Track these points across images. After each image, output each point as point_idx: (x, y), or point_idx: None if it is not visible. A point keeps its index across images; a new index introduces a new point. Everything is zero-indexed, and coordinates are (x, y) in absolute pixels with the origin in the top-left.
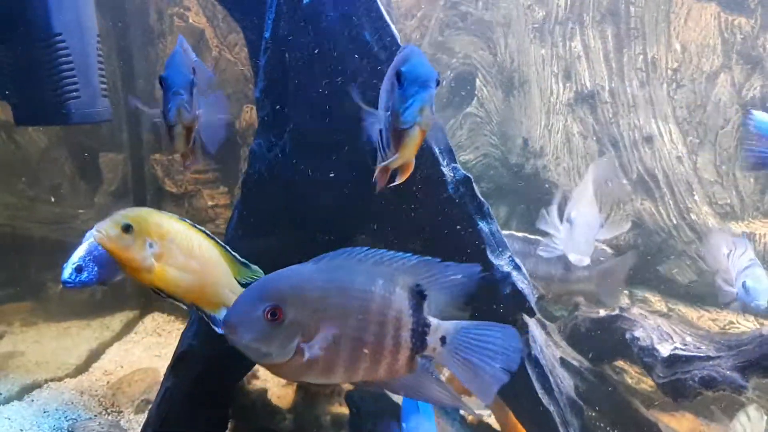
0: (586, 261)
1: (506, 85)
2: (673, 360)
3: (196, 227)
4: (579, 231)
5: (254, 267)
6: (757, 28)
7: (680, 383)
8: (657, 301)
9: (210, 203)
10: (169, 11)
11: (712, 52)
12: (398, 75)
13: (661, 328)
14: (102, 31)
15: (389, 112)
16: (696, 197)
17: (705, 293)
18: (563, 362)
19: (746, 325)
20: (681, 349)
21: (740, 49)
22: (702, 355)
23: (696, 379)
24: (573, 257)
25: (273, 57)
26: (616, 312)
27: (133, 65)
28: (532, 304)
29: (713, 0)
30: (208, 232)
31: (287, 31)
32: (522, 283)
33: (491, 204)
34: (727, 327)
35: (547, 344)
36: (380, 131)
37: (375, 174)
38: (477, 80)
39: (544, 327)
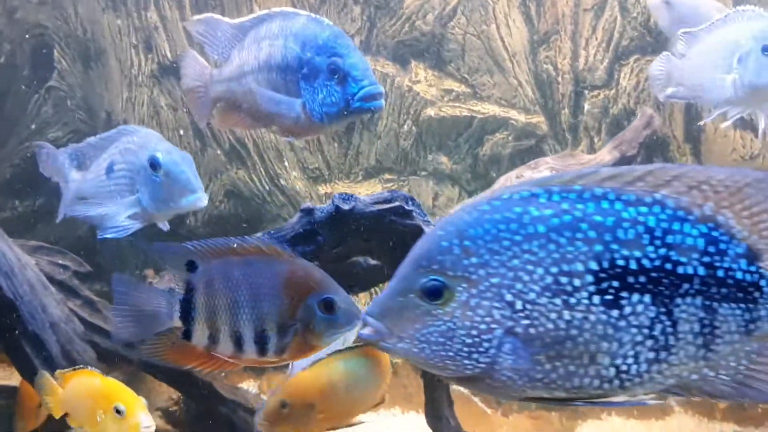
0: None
1: (84, 56)
2: None
3: None
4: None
5: None
6: None
7: None
8: None
9: None
10: None
11: None
12: None
13: None
14: None
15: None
16: (286, 163)
17: None
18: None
19: None
20: None
21: None
22: None
23: None
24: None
25: None
26: None
27: None
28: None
29: None
30: None
31: None
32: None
33: None
34: None
35: (69, 319)
36: None
37: None
38: (55, 51)
39: (92, 304)
